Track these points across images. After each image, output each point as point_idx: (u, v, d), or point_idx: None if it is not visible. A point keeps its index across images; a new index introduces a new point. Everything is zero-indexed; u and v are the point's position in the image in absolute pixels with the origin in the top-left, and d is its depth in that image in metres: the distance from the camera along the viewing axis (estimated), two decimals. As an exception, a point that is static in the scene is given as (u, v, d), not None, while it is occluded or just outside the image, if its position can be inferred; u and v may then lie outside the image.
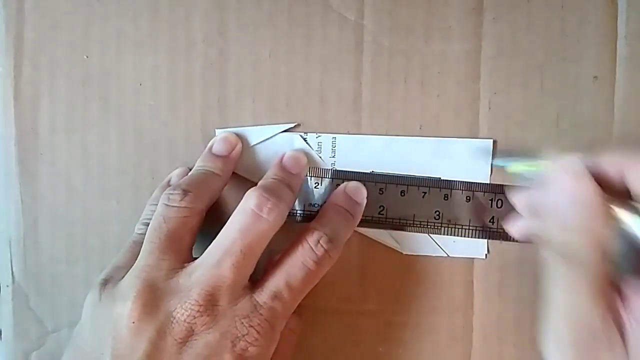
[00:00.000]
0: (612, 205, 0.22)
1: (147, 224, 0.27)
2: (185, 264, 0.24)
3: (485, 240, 0.28)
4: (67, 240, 0.30)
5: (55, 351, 0.31)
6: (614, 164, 0.22)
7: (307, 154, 0.28)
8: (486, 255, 0.28)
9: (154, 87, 0.29)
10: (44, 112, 0.30)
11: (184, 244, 0.25)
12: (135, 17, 0.29)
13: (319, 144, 0.29)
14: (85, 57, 0.30)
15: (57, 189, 0.30)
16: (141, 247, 0.25)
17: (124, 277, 0.25)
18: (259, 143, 0.29)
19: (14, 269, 0.31)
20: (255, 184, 0.29)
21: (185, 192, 0.25)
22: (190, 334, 0.23)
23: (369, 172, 0.28)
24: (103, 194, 0.30)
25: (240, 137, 0.29)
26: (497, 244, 0.28)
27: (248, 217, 0.24)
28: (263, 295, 0.24)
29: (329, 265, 0.25)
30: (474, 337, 0.29)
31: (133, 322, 0.23)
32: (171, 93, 0.29)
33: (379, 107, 0.28)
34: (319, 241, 0.25)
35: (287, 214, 0.25)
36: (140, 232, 0.27)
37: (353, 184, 0.28)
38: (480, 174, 0.28)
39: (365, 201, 0.28)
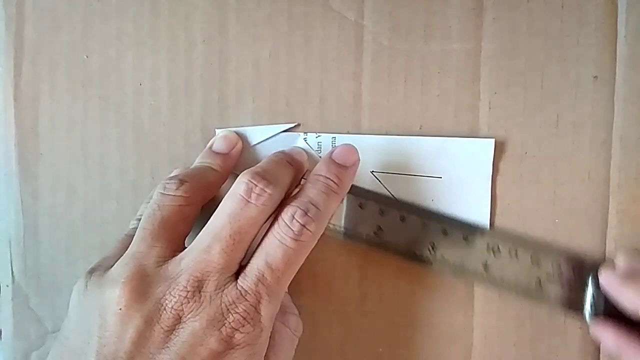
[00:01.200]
0: None
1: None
2: (177, 253, 0.24)
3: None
4: (67, 240, 0.30)
5: (55, 351, 0.31)
6: None
7: (307, 154, 0.28)
8: (486, 255, 0.28)
9: (154, 87, 0.29)
10: (44, 112, 0.30)
11: (178, 232, 0.25)
12: (135, 17, 0.29)
13: (319, 144, 0.29)
14: (85, 57, 0.30)
15: (57, 189, 0.30)
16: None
17: (112, 265, 0.24)
18: (259, 143, 0.29)
19: (14, 269, 0.31)
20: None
21: (181, 182, 0.25)
22: (177, 321, 0.22)
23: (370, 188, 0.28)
24: (103, 194, 0.30)
25: (241, 137, 0.29)
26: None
27: (237, 202, 0.23)
28: (246, 281, 0.23)
29: (310, 240, 0.24)
30: (474, 337, 0.29)
31: (120, 309, 0.22)
32: (171, 93, 0.29)
33: (379, 107, 0.28)
34: (293, 216, 0.23)
35: (279, 197, 0.24)
36: (133, 226, 0.27)
37: (341, 146, 0.27)
38: (481, 174, 0.28)
39: (357, 163, 0.26)
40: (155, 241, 0.24)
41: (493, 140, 0.28)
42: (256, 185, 0.24)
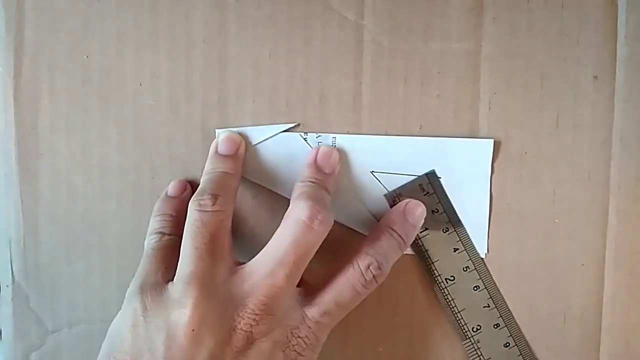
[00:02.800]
0: None
1: (160, 233, 0.27)
2: (234, 269, 0.25)
3: (485, 239, 0.28)
4: (67, 240, 0.30)
5: (55, 351, 0.31)
6: None
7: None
8: (485, 254, 0.28)
9: (154, 87, 0.29)
10: (44, 112, 0.30)
11: (227, 247, 0.25)
12: (135, 17, 0.29)
13: (319, 144, 0.29)
14: (85, 57, 0.30)
15: (57, 189, 0.30)
16: (164, 253, 0.26)
17: (165, 283, 0.24)
18: (259, 143, 0.29)
19: (14, 269, 0.31)
20: (256, 184, 0.29)
21: (214, 196, 0.25)
22: (247, 342, 0.23)
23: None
24: (103, 194, 0.30)
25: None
26: (497, 243, 0.28)
27: (300, 228, 0.24)
28: (313, 310, 0.25)
29: (374, 288, 0.26)
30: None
31: (193, 330, 0.23)
32: (171, 93, 0.29)
33: (379, 107, 0.28)
34: (369, 267, 0.25)
35: (332, 222, 0.25)
36: (154, 240, 0.27)
37: (413, 202, 0.28)
38: (479, 174, 0.28)
39: (421, 223, 0.27)
40: (211, 259, 0.24)
41: (492, 140, 0.28)
42: (319, 212, 0.24)
